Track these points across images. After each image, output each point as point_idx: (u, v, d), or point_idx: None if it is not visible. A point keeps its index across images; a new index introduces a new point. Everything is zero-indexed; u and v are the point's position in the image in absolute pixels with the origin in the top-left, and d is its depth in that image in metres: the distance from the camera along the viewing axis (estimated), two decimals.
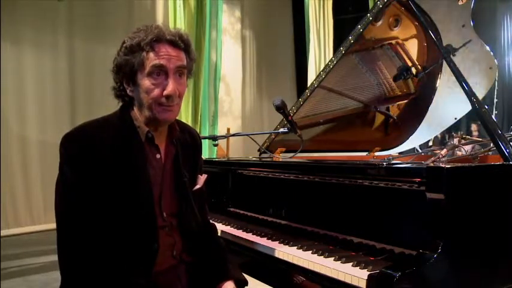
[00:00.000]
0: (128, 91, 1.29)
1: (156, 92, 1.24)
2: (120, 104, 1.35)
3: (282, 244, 1.57)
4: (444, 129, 2.83)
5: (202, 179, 1.47)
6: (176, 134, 1.39)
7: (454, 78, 1.75)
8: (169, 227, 1.34)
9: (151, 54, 1.23)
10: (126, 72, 1.26)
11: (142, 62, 1.23)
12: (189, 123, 5.63)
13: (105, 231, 1.22)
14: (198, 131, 5.75)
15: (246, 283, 1.43)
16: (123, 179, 1.24)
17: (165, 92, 1.24)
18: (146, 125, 1.30)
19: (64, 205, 1.23)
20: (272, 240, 1.63)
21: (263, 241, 1.64)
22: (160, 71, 1.24)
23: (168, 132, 1.38)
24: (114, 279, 1.21)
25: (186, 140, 1.45)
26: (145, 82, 1.24)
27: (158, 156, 1.34)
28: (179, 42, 1.27)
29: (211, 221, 1.61)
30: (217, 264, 1.43)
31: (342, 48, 2.09)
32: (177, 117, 1.39)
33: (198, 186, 1.44)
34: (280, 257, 1.51)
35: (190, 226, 1.39)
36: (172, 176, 1.37)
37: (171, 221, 1.35)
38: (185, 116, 5.65)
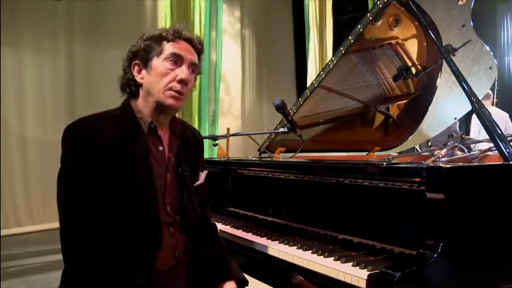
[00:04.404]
0: (137, 78, 1.32)
1: (170, 77, 1.30)
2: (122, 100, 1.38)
3: (281, 244, 1.57)
4: (444, 129, 2.82)
5: (203, 175, 1.49)
6: (178, 128, 1.41)
7: (454, 78, 1.75)
8: (173, 226, 1.35)
9: (171, 44, 1.31)
10: (142, 56, 1.32)
11: (162, 49, 1.31)
12: (191, 123, 5.62)
13: (108, 220, 1.22)
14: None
15: (247, 283, 1.44)
16: (124, 169, 1.25)
17: (178, 77, 1.30)
18: (150, 116, 1.33)
19: (65, 196, 1.24)
20: (272, 240, 1.63)
21: (263, 241, 1.64)
22: (177, 60, 1.31)
23: (170, 126, 1.40)
24: (117, 269, 1.21)
25: (188, 136, 1.47)
26: (161, 66, 1.30)
27: (161, 148, 1.35)
28: (196, 43, 1.37)
29: (212, 221, 1.61)
30: (218, 264, 1.43)
31: (341, 48, 2.08)
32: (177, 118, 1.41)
33: (199, 182, 1.46)
34: (280, 256, 1.51)
35: (191, 221, 1.39)
36: (175, 169, 1.38)
37: (174, 217, 1.36)
38: (187, 116, 5.65)
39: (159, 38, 1.32)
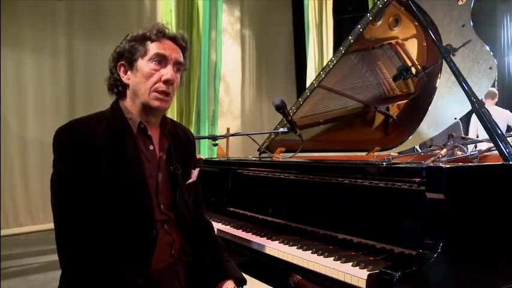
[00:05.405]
0: (124, 79, 1.33)
1: (155, 78, 1.30)
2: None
3: (281, 244, 1.57)
4: (444, 129, 2.82)
5: (195, 173, 1.49)
6: (168, 127, 1.42)
7: (454, 78, 1.75)
8: (168, 224, 1.35)
9: (155, 44, 1.31)
10: (127, 57, 1.31)
11: (146, 49, 1.31)
12: (189, 123, 5.62)
13: (103, 221, 1.22)
14: (197, 131, 5.76)
15: (245, 282, 1.44)
16: (116, 169, 1.25)
17: (164, 77, 1.30)
18: (138, 116, 1.33)
19: (59, 198, 1.24)
20: (272, 240, 1.63)
21: (263, 241, 1.64)
22: (161, 60, 1.31)
23: (161, 126, 1.41)
24: (114, 269, 1.21)
25: (180, 135, 1.48)
26: (146, 67, 1.30)
27: (151, 147, 1.36)
28: (180, 41, 1.36)
29: (207, 220, 1.61)
30: (215, 263, 1.43)
31: (341, 48, 2.08)
32: (175, 119, 1.40)
33: (191, 180, 1.46)
34: (280, 256, 1.52)
35: (185, 218, 1.40)
36: (167, 168, 1.39)
37: (169, 215, 1.36)
38: (187, 115, 5.65)
39: (143, 38, 1.31)
